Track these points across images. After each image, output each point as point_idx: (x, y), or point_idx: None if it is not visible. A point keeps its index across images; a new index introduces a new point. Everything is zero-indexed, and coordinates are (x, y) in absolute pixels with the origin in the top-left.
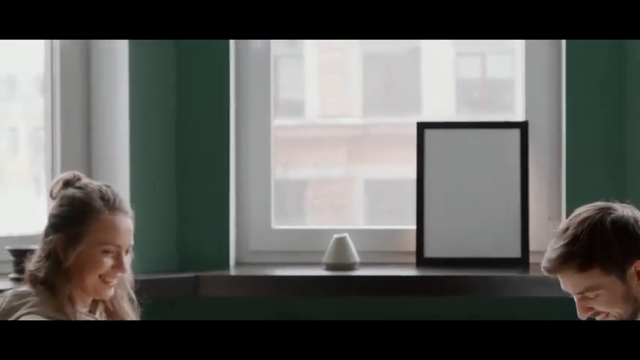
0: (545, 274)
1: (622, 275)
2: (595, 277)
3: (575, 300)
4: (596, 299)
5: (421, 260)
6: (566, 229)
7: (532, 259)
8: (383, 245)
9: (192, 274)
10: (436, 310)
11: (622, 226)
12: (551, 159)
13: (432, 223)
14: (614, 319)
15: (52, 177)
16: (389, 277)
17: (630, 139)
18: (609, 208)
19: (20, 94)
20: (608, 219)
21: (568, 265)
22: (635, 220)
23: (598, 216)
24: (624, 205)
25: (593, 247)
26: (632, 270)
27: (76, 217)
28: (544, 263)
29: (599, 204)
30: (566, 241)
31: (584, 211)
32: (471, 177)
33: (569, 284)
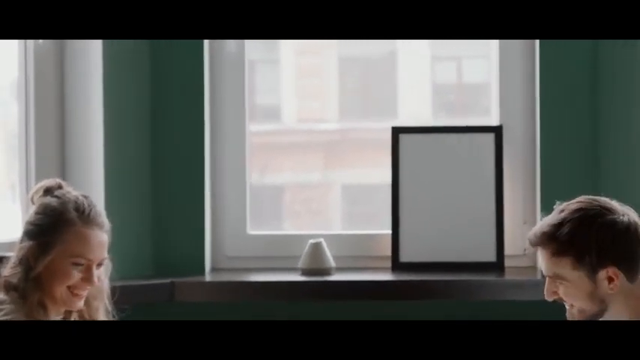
0: (528, 243)
1: (592, 275)
2: (564, 267)
3: (546, 281)
4: (561, 287)
5: (396, 265)
6: (562, 210)
7: (507, 262)
8: (358, 250)
9: (167, 280)
10: (412, 315)
11: (609, 229)
12: (525, 163)
13: (408, 228)
14: (577, 312)
15: (26, 183)
16: (364, 282)
17: (604, 142)
18: (609, 209)
19: None
20: (600, 220)
21: (546, 245)
22: (627, 229)
23: (593, 212)
24: (627, 208)
25: (573, 239)
26: (603, 273)
27: (49, 226)
28: (530, 234)
29: (603, 200)
30: (555, 222)
31: (586, 200)
32: (446, 181)
33: (542, 263)
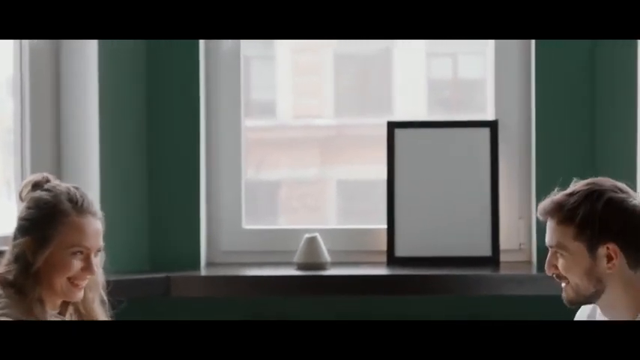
0: (538, 215)
1: (591, 249)
2: (567, 236)
3: (549, 253)
4: (560, 259)
5: (392, 259)
6: (577, 184)
7: (503, 257)
8: (354, 245)
9: (163, 275)
10: (407, 309)
11: (615, 205)
12: (521, 158)
13: (403, 222)
14: (571, 290)
15: (22, 179)
16: (360, 277)
17: (600, 137)
18: (621, 189)
19: None
20: (609, 195)
21: (553, 214)
22: (634, 211)
23: (604, 187)
24: None
25: (578, 209)
26: (603, 250)
27: (44, 219)
28: (540, 205)
29: (622, 185)
30: (566, 192)
31: (602, 178)
32: (442, 176)
33: (548, 232)
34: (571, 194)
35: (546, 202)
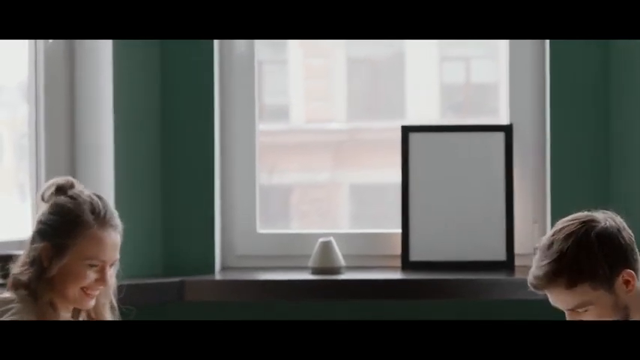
0: (532, 290)
1: (610, 287)
2: (584, 293)
3: (566, 314)
4: (586, 313)
5: (406, 264)
6: (551, 244)
7: (517, 261)
8: (368, 249)
9: (177, 279)
10: (421, 314)
11: (607, 238)
12: (535, 162)
13: (417, 227)
14: None
15: (37, 184)
16: (374, 281)
17: (615, 141)
18: (592, 221)
19: (4, 100)
20: (593, 232)
21: (556, 282)
22: (619, 230)
23: (582, 230)
24: (606, 213)
25: (581, 263)
26: (619, 280)
27: (65, 228)
28: (530, 280)
29: (582, 216)
30: (553, 257)
31: (567, 225)
32: (456, 180)
33: (558, 300)
34: (560, 257)
35: (539, 277)
